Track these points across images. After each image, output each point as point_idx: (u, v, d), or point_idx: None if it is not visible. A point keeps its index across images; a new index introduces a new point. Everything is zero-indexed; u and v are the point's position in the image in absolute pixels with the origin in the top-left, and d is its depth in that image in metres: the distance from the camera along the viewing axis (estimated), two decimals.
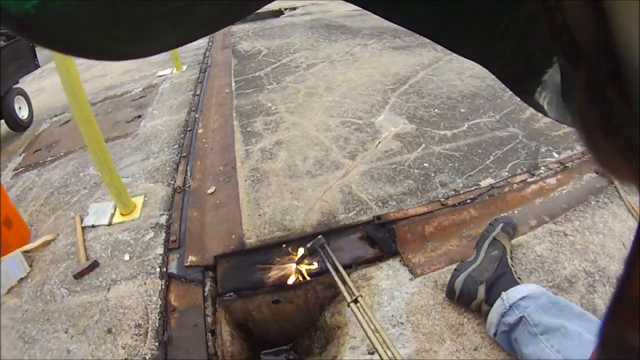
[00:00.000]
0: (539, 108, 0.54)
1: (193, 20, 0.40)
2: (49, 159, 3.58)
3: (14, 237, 2.41)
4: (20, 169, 3.56)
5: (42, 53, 5.81)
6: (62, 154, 3.60)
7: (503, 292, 1.50)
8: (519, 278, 1.61)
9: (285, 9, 8.48)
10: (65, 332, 1.86)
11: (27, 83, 5.35)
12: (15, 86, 5.11)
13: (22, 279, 2.24)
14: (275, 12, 8.62)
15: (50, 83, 6.60)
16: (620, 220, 1.98)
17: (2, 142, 4.69)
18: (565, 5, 0.23)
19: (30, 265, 2.30)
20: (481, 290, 1.57)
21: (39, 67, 5.82)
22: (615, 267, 1.77)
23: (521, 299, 1.45)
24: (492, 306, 1.52)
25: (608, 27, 0.21)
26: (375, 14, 0.48)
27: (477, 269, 1.63)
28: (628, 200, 2.08)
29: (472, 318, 1.64)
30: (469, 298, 1.60)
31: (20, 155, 3.94)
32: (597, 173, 2.30)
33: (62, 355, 1.79)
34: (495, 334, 1.50)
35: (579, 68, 0.24)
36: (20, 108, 4.96)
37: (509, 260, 1.68)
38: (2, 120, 4.80)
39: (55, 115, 4.95)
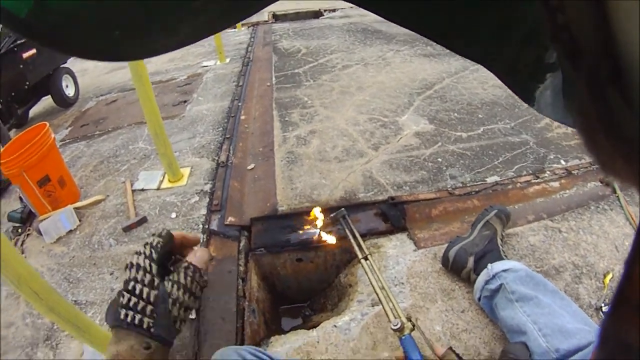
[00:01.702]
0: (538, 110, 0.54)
1: (193, 24, 0.41)
2: (97, 132, 3.80)
3: (66, 195, 2.64)
4: (67, 140, 3.78)
5: None
6: (110, 129, 3.82)
7: (489, 264, 1.67)
8: (505, 256, 1.77)
9: (325, 11, 8.48)
10: (111, 274, 2.07)
11: (70, 64, 5.50)
12: (63, 65, 5.35)
13: (70, 231, 2.43)
14: (315, 13, 8.63)
15: (93, 65, 6.85)
16: (617, 226, 2.07)
17: (47, 117, 4.87)
18: (567, 5, 0.22)
19: (80, 220, 2.50)
20: (470, 261, 1.77)
21: None
22: (604, 266, 1.87)
23: (503, 270, 1.61)
24: (478, 275, 1.70)
25: (609, 26, 0.20)
26: (376, 13, 0.49)
27: (469, 243, 1.82)
28: (628, 209, 2.16)
29: (463, 286, 1.82)
30: (460, 266, 1.79)
31: (67, 128, 4.17)
32: (601, 182, 2.37)
33: (106, 293, 1.97)
34: (479, 299, 1.68)
35: (579, 68, 0.23)
36: (67, 86, 5.22)
37: (499, 241, 1.84)
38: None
39: (101, 95, 5.17)
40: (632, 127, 0.21)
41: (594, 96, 0.23)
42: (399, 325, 1.21)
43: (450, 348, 1.15)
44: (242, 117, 3.55)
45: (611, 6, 0.20)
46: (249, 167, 2.80)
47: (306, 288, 2.33)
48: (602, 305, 1.72)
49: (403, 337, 1.20)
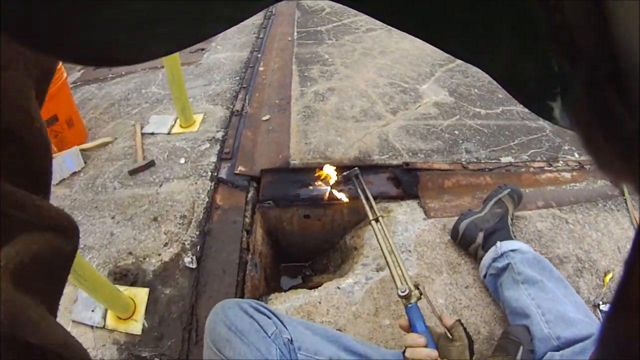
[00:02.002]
0: (546, 116, 0.50)
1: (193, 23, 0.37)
2: (110, 75, 3.69)
3: (73, 136, 2.58)
4: (78, 83, 3.65)
5: None
6: (123, 72, 3.71)
7: (498, 242, 1.66)
8: (514, 237, 1.76)
9: None
10: (112, 218, 2.05)
11: None
12: None
13: (74, 173, 2.38)
14: None
15: None
16: (622, 227, 2.06)
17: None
18: (565, 5, 0.22)
19: (85, 162, 2.46)
20: (480, 236, 1.75)
21: None
22: (605, 264, 1.86)
23: (512, 250, 1.60)
24: (486, 252, 1.68)
25: (608, 25, 0.20)
26: (368, 14, 0.44)
27: (480, 218, 1.80)
28: (634, 213, 2.15)
29: (469, 261, 1.81)
30: (469, 241, 1.78)
31: (79, 70, 4.01)
32: (611, 182, 2.30)
33: (105, 237, 1.95)
34: (485, 276, 1.67)
35: (577, 68, 0.23)
36: None
37: (509, 221, 1.83)
38: None
39: None
40: (631, 127, 0.21)
41: (593, 96, 0.23)
42: (406, 292, 1.19)
43: (459, 320, 1.13)
44: (261, 69, 3.50)
45: (610, 6, 0.20)
46: (264, 118, 2.75)
47: (310, 246, 2.31)
48: (600, 303, 1.73)
49: (409, 305, 1.18)
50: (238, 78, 3.33)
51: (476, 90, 3.21)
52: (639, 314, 0.29)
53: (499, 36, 0.43)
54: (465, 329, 1.11)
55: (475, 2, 0.41)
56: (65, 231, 0.52)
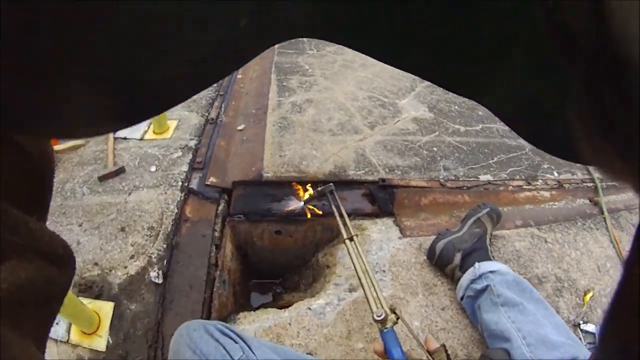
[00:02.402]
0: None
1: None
2: None
3: None
4: None
5: None
6: None
7: (476, 263, 1.63)
8: (492, 257, 1.74)
9: None
10: (79, 226, 1.96)
11: None
12: None
13: None
14: None
15: None
16: (601, 246, 2.07)
17: None
18: (565, 5, 0.22)
19: (56, 165, 2.36)
20: (457, 257, 1.71)
21: None
22: (585, 283, 1.86)
23: (491, 271, 1.57)
24: (464, 273, 1.66)
25: (608, 25, 0.20)
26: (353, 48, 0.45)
27: (458, 238, 1.77)
28: (614, 233, 2.16)
29: (445, 282, 1.77)
30: (446, 262, 1.74)
31: None
32: (590, 201, 2.38)
33: (71, 246, 1.91)
34: (462, 298, 1.64)
35: (577, 68, 0.23)
36: None
37: (487, 241, 1.81)
38: None
39: None
40: (631, 126, 0.21)
41: (592, 96, 0.23)
42: (382, 316, 1.13)
43: (444, 346, 1.08)
44: (239, 76, 3.43)
45: (610, 6, 0.20)
46: (239, 128, 2.69)
47: (281, 263, 2.25)
48: (580, 322, 1.71)
49: (385, 330, 1.12)
50: (215, 85, 3.23)
51: (456, 107, 3.20)
52: (639, 315, 0.29)
53: (509, 59, 0.43)
54: (448, 355, 1.06)
55: (478, 31, 0.42)
56: (59, 260, 0.49)
